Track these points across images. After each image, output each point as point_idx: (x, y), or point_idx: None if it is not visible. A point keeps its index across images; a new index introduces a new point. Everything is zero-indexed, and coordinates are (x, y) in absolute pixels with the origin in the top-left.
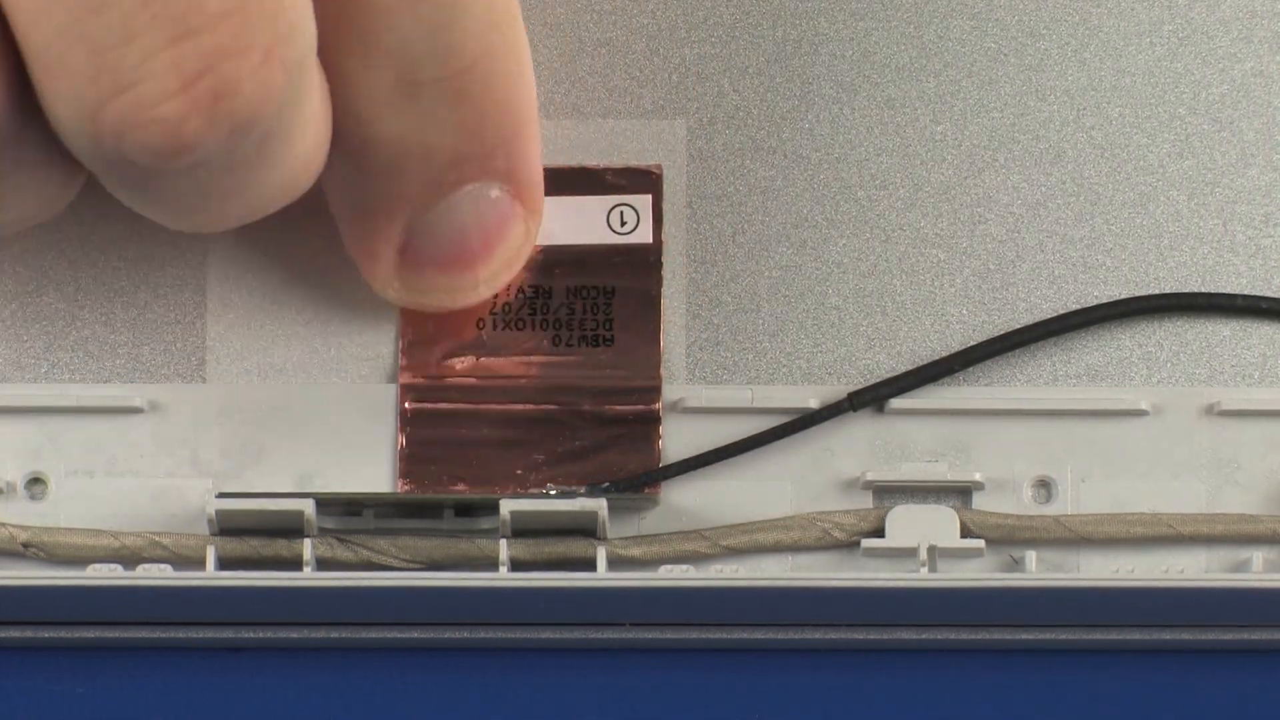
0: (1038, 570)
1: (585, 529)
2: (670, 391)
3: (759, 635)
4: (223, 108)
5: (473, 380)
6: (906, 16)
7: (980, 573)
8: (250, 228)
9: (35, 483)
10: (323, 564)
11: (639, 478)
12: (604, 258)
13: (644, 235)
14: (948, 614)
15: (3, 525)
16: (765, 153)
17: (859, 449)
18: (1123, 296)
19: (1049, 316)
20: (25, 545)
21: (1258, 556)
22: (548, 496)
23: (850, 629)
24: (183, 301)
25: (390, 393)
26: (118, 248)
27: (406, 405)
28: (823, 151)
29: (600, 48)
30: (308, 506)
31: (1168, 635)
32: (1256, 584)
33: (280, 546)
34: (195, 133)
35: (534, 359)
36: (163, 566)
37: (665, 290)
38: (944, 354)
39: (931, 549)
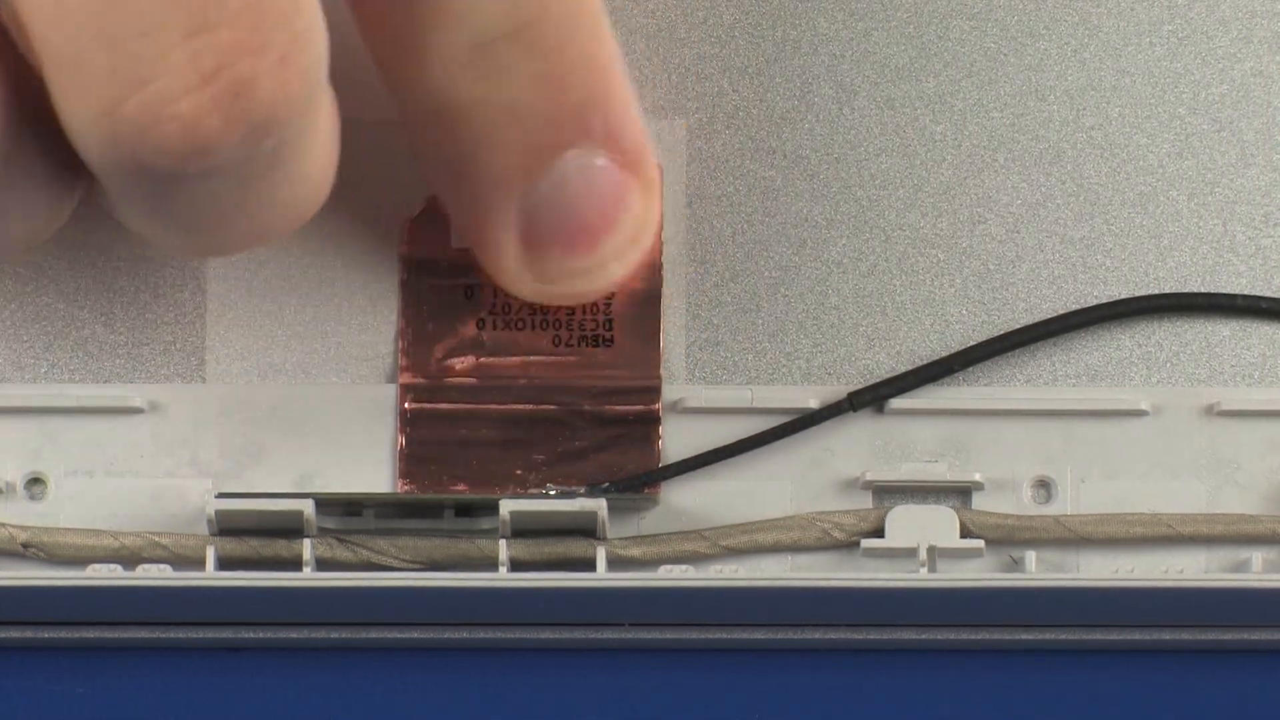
0: (1037, 570)
1: (585, 529)
2: (670, 392)
3: (759, 635)
4: (240, 106)
5: (473, 380)
6: (906, 17)
7: (980, 573)
8: None
9: (35, 483)
10: (322, 564)
11: (639, 478)
12: None
13: None
14: (947, 614)
15: (2, 525)
16: (765, 153)
17: (859, 449)
18: (1122, 296)
19: (1049, 316)
20: (25, 545)
21: (1257, 557)
22: (547, 497)
23: (850, 629)
24: (183, 301)
25: (390, 393)
26: (118, 248)
27: (406, 405)
28: (822, 152)
29: None
30: (307, 507)
31: (1167, 635)
32: (1256, 584)
33: (280, 547)
34: (213, 132)
35: (534, 359)
36: (162, 567)
37: (665, 290)
38: (944, 354)
39: (931, 549)
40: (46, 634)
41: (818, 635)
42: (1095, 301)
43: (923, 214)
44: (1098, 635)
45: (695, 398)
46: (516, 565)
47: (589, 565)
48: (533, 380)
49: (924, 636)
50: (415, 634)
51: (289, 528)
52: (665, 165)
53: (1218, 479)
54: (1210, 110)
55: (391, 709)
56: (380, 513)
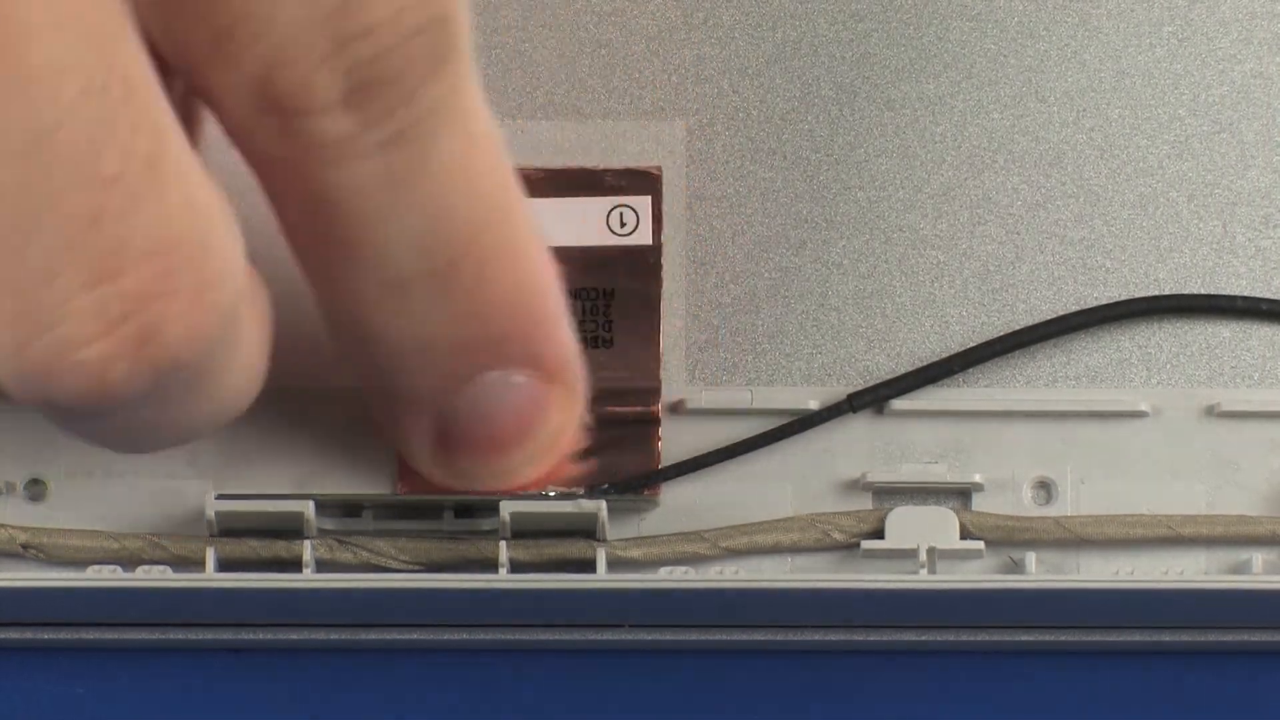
0: (1037, 572)
1: (585, 530)
2: (670, 393)
3: (759, 637)
4: (148, 353)
5: None
6: (906, 18)
7: (980, 574)
8: (250, 229)
9: (34, 484)
10: (322, 565)
11: (638, 479)
12: (603, 259)
13: (643, 236)
14: (948, 615)
15: (2, 526)
16: (765, 154)
17: (859, 450)
18: (1122, 298)
19: (1049, 318)
20: (25, 546)
21: (1257, 558)
22: (547, 498)
23: (850, 631)
24: None
25: None
26: None
27: None
28: (822, 153)
29: (600, 48)
30: (307, 508)
31: (1168, 637)
32: (1256, 585)
33: (280, 548)
34: (120, 377)
35: None
36: (162, 568)
37: (665, 291)
38: (944, 355)
39: (931, 550)
40: (46, 635)
41: (817, 637)
42: (1095, 303)
43: (923, 215)
44: (1098, 637)
45: (695, 399)
46: (516, 566)
47: (589, 566)
48: None
49: (924, 638)
50: (415, 635)
51: (289, 529)
52: (665, 166)
53: (1218, 480)
54: (1210, 111)
55: (391, 710)
56: (380, 514)
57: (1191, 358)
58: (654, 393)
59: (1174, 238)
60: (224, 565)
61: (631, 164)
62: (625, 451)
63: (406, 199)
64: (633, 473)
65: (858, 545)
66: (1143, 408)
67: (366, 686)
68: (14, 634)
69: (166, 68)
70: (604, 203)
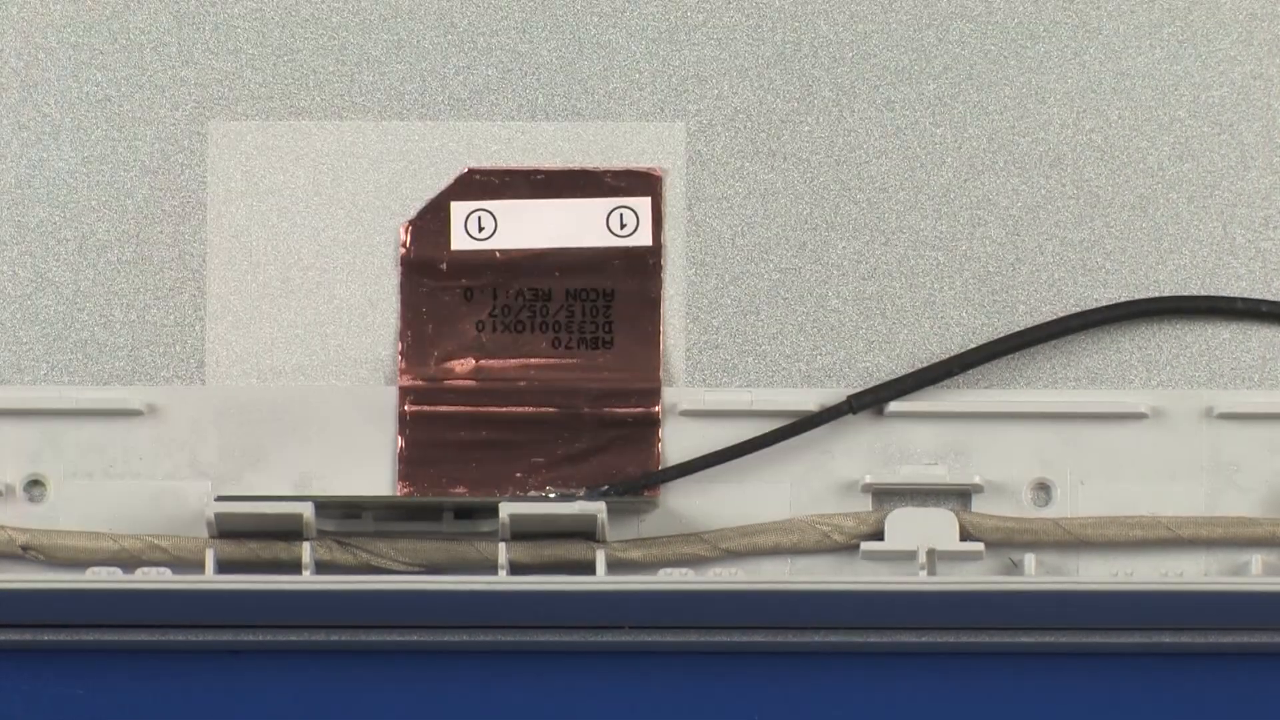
0: (1037, 573)
1: (584, 532)
2: (670, 394)
3: (758, 638)
4: None
5: (472, 383)
6: (906, 20)
7: (979, 575)
8: (250, 229)
9: (34, 485)
10: (322, 567)
11: (638, 480)
12: (603, 260)
13: (644, 238)
14: (947, 616)
15: (2, 528)
16: (765, 155)
17: (858, 452)
18: (1122, 300)
19: (1048, 320)
20: (24, 548)
21: (1257, 559)
22: (547, 499)
23: (850, 632)
24: (182, 303)
25: (390, 395)
26: (117, 248)
27: (406, 408)
28: (822, 154)
29: (600, 49)
30: (307, 509)
31: (1167, 638)
32: (1255, 587)
33: (279, 549)
34: None
35: (533, 362)
36: (162, 569)
37: (665, 293)
38: (943, 357)
39: (931, 552)
40: (46, 636)
41: (817, 638)
42: (1095, 304)
43: (923, 217)
44: (1097, 638)
45: (695, 400)
46: (516, 568)
47: (588, 568)
48: (532, 383)
49: (924, 639)
50: (415, 636)
51: (288, 530)
52: (665, 168)
53: (1217, 482)
54: (1210, 113)
55: (391, 711)
56: (379, 515)
57: (1191, 359)
58: (654, 394)
59: (1174, 240)
60: (223, 567)
61: (632, 165)
62: (625, 453)
63: None
64: (632, 474)
65: (857, 547)
66: (1142, 410)
67: (366, 688)
68: (14, 636)
69: None
70: (604, 204)
